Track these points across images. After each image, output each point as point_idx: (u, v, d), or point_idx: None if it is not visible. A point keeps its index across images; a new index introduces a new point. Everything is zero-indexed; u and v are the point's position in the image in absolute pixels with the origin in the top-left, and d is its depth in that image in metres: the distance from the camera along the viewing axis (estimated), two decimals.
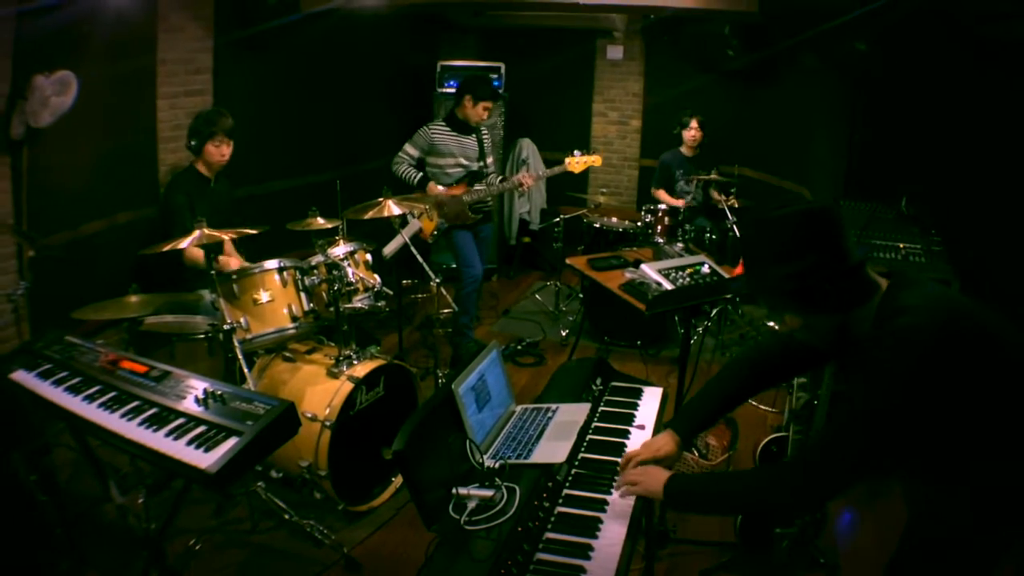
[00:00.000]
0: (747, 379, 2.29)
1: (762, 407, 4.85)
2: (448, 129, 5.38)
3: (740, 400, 2.34)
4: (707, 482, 2.00)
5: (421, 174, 5.36)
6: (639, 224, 6.20)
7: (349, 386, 3.57)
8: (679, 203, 6.54)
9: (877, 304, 1.82)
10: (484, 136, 5.52)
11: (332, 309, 3.80)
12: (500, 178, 5.54)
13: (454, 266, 5.63)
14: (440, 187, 5.34)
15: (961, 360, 1.70)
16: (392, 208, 4.32)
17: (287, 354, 3.92)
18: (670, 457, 2.24)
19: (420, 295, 6.78)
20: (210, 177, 4.40)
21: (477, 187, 5.39)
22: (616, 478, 2.22)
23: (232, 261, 4.35)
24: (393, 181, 5.16)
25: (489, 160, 5.57)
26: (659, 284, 4.04)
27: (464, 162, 5.41)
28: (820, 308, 1.84)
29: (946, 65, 4.55)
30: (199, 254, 4.07)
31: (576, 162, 5.58)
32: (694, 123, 6.60)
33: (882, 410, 1.71)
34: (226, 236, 3.61)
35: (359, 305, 3.90)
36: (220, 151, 4.29)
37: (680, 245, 5.60)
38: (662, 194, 6.77)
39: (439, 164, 5.39)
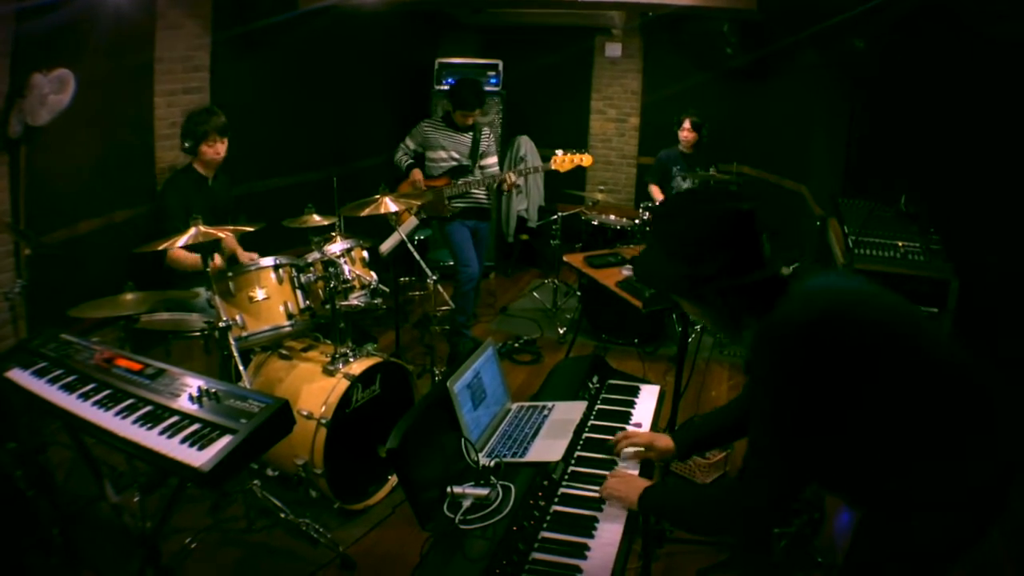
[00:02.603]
0: (736, 420, 2.29)
1: None
2: (442, 125, 5.43)
3: (740, 432, 2.36)
4: (677, 501, 1.99)
5: (411, 162, 5.42)
6: (637, 221, 6.19)
7: (345, 384, 3.56)
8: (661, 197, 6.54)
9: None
10: (483, 135, 5.51)
11: (328, 306, 3.79)
12: (482, 175, 5.49)
13: (451, 263, 5.63)
14: (422, 176, 5.39)
15: (838, 349, 1.65)
16: (389, 205, 4.31)
17: (283, 352, 3.91)
18: (663, 454, 2.29)
19: (417, 293, 6.77)
20: (208, 176, 4.38)
21: (459, 181, 5.39)
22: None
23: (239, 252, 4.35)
24: (390, 177, 5.17)
25: (491, 160, 5.55)
26: None
27: (456, 156, 5.43)
28: (707, 304, 1.84)
29: (945, 63, 4.54)
30: (183, 256, 4.08)
31: (562, 160, 5.47)
32: (687, 123, 6.57)
33: (771, 409, 1.70)
34: (222, 234, 3.60)
35: (355, 303, 3.89)
36: (215, 149, 4.27)
37: None
38: (655, 190, 6.75)
39: (432, 158, 5.45)
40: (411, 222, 4.67)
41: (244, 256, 4.29)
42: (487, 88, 7.08)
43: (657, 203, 6.21)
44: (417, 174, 5.36)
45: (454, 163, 5.42)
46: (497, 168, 5.61)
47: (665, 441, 2.31)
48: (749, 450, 1.78)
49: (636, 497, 2.01)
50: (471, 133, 5.45)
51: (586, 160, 5.53)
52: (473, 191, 5.43)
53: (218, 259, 4.25)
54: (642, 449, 2.30)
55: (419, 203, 4.67)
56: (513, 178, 5.42)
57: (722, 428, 2.35)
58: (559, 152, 5.49)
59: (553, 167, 5.51)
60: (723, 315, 1.84)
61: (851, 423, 1.68)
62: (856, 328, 1.69)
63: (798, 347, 1.65)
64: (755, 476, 1.75)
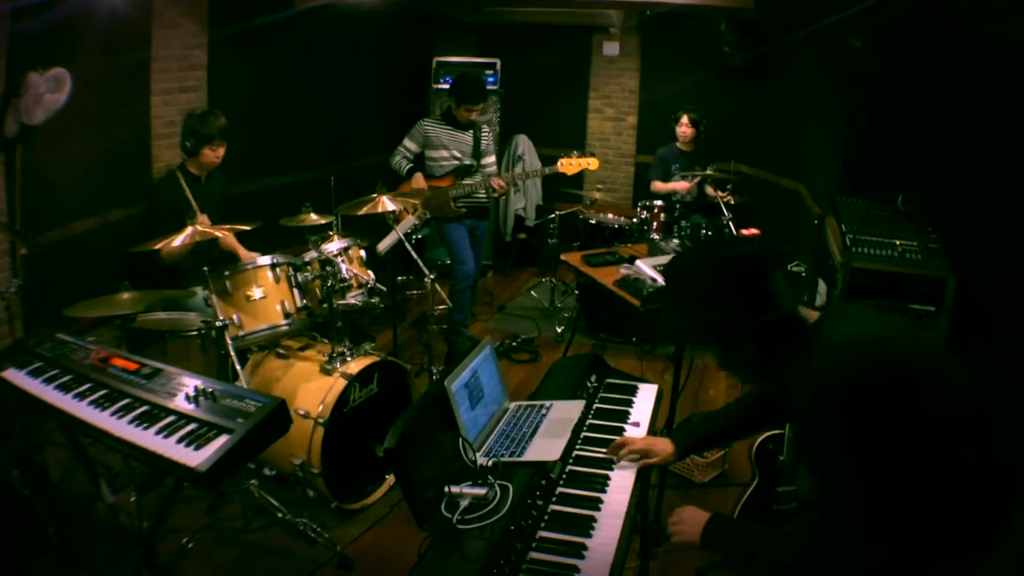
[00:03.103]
0: (745, 417, 2.28)
1: None
2: (442, 124, 5.41)
3: (739, 434, 2.35)
4: (743, 542, 1.91)
5: (411, 165, 5.39)
6: (635, 220, 6.19)
7: (342, 383, 3.55)
8: (679, 186, 6.49)
9: (800, 348, 1.76)
10: (483, 133, 5.51)
11: (325, 306, 3.78)
12: (481, 176, 5.48)
13: (449, 262, 5.62)
14: (424, 179, 5.37)
15: (895, 398, 1.62)
16: (386, 204, 4.31)
17: (280, 351, 3.90)
18: (663, 458, 2.27)
19: (414, 291, 6.76)
20: (201, 176, 4.38)
21: (465, 181, 5.39)
22: (613, 471, 2.23)
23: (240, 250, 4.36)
24: (388, 177, 5.15)
25: (489, 159, 5.55)
26: (654, 280, 4.03)
27: (458, 155, 5.42)
28: (742, 353, 1.82)
29: (943, 61, 4.54)
30: (176, 251, 4.07)
31: (570, 163, 5.54)
32: (684, 119, 6.58)
33: (847, 464, 1.64)
34: (218, 233, 3.59)
35: (353, 301, 3.88)
36: (216, 153, 4.29)
37: (676, 241, 5.58)
38: (659, 184, 6.74)
39: (433, 157, 5.43)
40: (409, 220, 4.65)
41: (246, 255, 4.29)
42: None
43: (661, 202, 6.19)
44: (419, 179, 5.33)
45: (456, 162, 5.41)
46: (495, 168, 5.61)
47: (663, 444, 2.29)
48: (825, 506, 1.72)
49: (697, 536, 1.95)
50: (472, 131, 5.44)
51: (593, 164, 5.61)
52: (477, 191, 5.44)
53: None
54: (639, 457, 2.29)
55: (416, 202, 4.66)
56: (503, 184, 5.44)
57: (722, 429, 2.34)
58: (564, 157, 5.56)
59: (560, 170, 5.57)
60: (754, 359, 1.82)
61: (896, 469, 1.64)
62: (906, 377, 1.66)
63: (865, 396, 1.61)
64: (848, 529, 1.65)
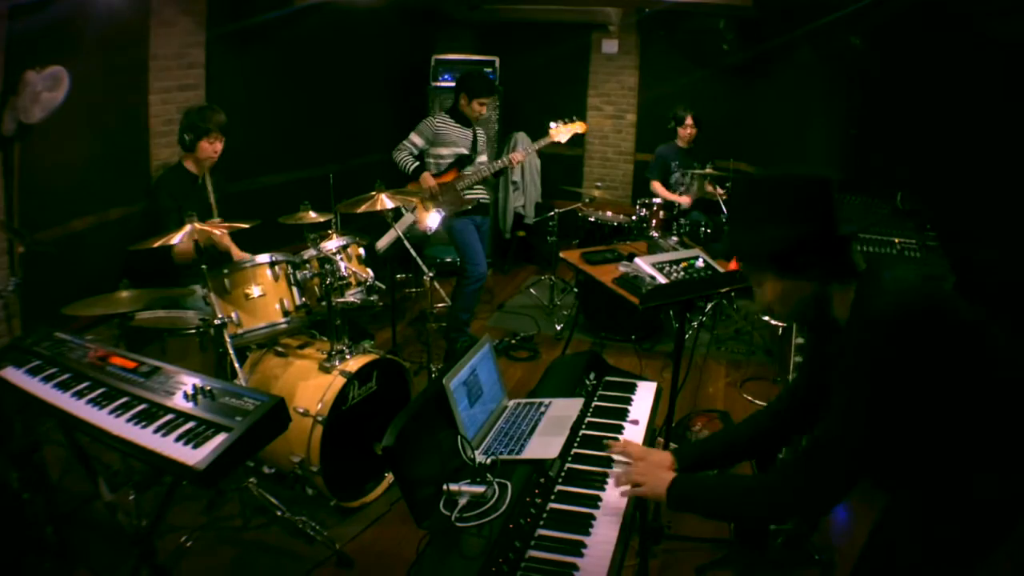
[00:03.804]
0: (760, 434, 2.25)
1: (757, 402, 4.85)
2: (452, 121, 5.44)
3: (751, 452, 2.37)
4: (710, 487, 1.95)
5: (417, 164, 5.37)
6: (634, 218, 6.19)
7: (341, 381, 3.55)
8: (678, 199, 6.51)
9: (855, 288, 1.81)
10: (479, 131, 5.54)
11: (324, 303, 3.78)
12: (476, 166, 5.50)
13: (448, 260, 5.63)
14: (432, 178, 5.35)
15: (933, 346, 1.68)
16: (385, 202, 4.30)
17: (279, 349, 3.90)
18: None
19: (414, 289, 6.76)
20: (198, 174, 4.37)
21: (466, 171, 5.39)
22: (611, 468, 2.22)
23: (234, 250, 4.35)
24: (387, 174, 5.15)
25: (483, 158, 5.56)
26: (653, 278, 4.01)
27: (462, 151, 5.42)
28: (800, 275, 1.83)
29: (942, 60, 4.54)
30: (188, 249, 4.06)
31: (559, 130, 5.56)
32: (689, 120, 6.57)
33: (863, 398, 1.69)
34: (217, 231, 3.59)
35: (352, 299, 3.88)
36: (214, 147, 4.27)
37: (675, 239, 5.58)
38: (658, 187, 6.75)
39: (441, 154, 5.42)
40: (407, 219, 4.66)
41: (238, 256, 4.28)
42: None
43: (660, 200, 6.20)
44: (428, 178, 5.32)
45: (455, 157, 5.42)
46: (486, 162, 5.62)
47: (661, 457, 2.18)
48: (822, 435, 1.77)
49: (663, 489, 1.97)
50: (471, 129, 5.46)
51: (582, 127, 5.64)
52: (476, 186, 5.44)
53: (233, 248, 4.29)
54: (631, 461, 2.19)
55: (418, 199, 4.66)
56: (520, 158, 5.51)
57: (733, 447, 2.27)
58: (553, 124, 5.58)
59: (553, 139, 5.58)
60: (809, 288, 1.84)
61: (930, 416, 1.71)
62: (955, 325, 1.75)
63: (911, 334, 1.68)
64: (825, 459, 1.75)
